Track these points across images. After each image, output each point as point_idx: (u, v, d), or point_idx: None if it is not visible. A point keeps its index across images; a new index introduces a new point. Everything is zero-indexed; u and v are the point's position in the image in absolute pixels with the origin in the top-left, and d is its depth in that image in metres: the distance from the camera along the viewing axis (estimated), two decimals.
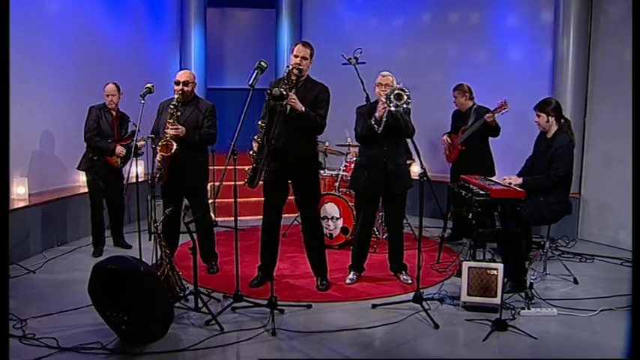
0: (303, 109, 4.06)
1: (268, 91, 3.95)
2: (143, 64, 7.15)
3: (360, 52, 6.41)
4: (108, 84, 5.34)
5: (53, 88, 5.83)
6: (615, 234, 5.74)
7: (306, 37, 8.28)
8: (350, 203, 5.55)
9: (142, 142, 5.23)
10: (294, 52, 4.18)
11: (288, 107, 4.02)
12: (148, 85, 4.63)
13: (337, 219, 5.57)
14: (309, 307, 4.04)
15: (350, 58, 6.40)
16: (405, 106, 4.11)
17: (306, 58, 4.16)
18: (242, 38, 9.40)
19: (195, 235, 4.09)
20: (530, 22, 6.50)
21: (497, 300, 3.91)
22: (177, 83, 4.57)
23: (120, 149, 5.29)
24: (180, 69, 7.83)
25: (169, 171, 4.50)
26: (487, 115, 5.35)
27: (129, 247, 5.56)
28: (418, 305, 3.95)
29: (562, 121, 4.49)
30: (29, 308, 3.93)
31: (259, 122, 4.13)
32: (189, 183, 4.63)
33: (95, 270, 3.24)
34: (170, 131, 4.41)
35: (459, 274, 4.62)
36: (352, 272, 4.64)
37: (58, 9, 5.92)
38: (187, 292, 3.96)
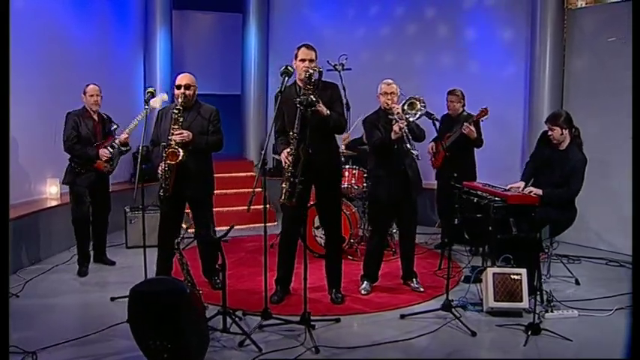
0: (328, 112, 3.95)
1: (300, 100, 3.77)
2: (107, 67, 6.66)
3: (346, 59, 6.40)
4: (89, 85, 4.91)
5: (15, 90, 5.24)
6: (592, 236, 6.04)
7: (273, 41, 8.12)
8: (346, 212, 5.45)
9: (126, 135, 4.85)
10: (301, 57, 4.02)
11: (309, 113, 3.86)
12: (150, 90, 4.31)
13: None
14: (338, 320, 3.90)
15: (336, 65, 6.36)
16: (419, 113, 4.16)
17: (313, 60, 4.03)
18: (206, 42, 9.03)
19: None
20: (506, 33, 6.73)
21: (522, 304, 3.98)
22: (179, 87, 4.27)
23: (103, 151, 4.83)
24: (145, 72, 7.43)
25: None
26: (465, 124, 5.32)
27: (112, 263, 5.13)
28: (445, 313, 3.94)
29: (573, 130, 4.64)
30: (28, 338, 3.49)
31: (290, 133, 3.90)
32: (195, 194, 4.35)
33: (136, 295, 2.90)
34: (175, 137, 4.11)
35: (467, 280, 4.69)
36: (366, 282, 4.54)
37: (22, 6, 5.36)
38: (215, 313, 3.67)
